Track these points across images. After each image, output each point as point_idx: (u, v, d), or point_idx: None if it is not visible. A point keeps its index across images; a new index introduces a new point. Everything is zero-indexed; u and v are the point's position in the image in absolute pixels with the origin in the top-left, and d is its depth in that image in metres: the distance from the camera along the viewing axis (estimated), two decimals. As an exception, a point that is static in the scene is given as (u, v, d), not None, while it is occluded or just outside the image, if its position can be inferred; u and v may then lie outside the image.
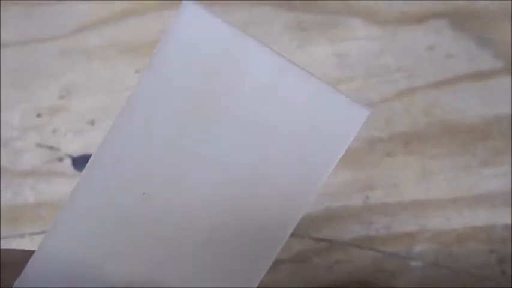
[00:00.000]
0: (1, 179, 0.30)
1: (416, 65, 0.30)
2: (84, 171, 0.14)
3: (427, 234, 0.28)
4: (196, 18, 0.14)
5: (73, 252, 0.14)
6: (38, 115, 0.31)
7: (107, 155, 0.14)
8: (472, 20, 0.31)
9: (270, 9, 0.32)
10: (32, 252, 0.14)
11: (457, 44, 0.31)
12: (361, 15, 0.31)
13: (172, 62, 0.14)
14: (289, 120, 0.14)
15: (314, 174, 0.15)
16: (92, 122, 0.30)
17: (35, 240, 0.29)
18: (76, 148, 0.30)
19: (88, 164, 0.14)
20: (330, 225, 0.28)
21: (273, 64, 0.14)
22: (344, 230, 0.28)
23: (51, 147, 0.30)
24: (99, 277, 0.14)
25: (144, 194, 0.14)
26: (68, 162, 0.30)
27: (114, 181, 0.14)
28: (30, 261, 0.14)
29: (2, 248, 0.29)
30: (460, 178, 0.29)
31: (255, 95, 0.14)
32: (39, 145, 0.30)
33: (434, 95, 0.30)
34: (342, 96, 0.15)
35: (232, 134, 0.14)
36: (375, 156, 0.29)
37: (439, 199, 0.29)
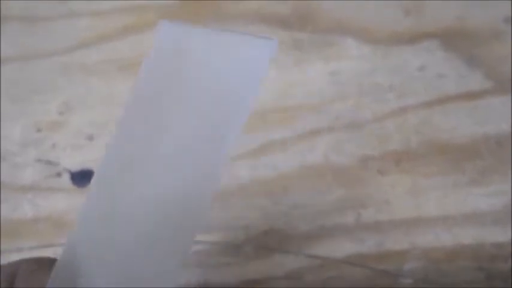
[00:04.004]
0: (1, 193, 0.30)
1: (408, 84, 0.31)
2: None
3: (417, 252, 0.29)
4: (169, 32, 0.17)
5: (82, 261, 0.16)
6: (38, 130, 0.31)
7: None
8: (462, 40, 0.32)
9: (266, 27, 0.32)
10: None
11: (448, 64, 0.31)
12: (354, 34, 0.32)
13: (153, 69, 0.17)
14: (210, 83, 0.17)
15: (233, 119, 0.17)
16: (90, 138, 0.31)
17: (33, 255, 0.29)
18: (74, 163, 0.31)
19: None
20: (323, 242, 0.29)
21: (204, 40, 0.17)
22: (336, 247, 0.29)
23: (50, 162, 0.31)
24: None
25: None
26: (66, 177, 0.30)
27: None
28: (52, 274, 0.16)
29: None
30: (450, 196, 0.29)
31: (196, 73, 0.17)
32: (38, 160, 0.31)
33: (425, 114, 0.31)
34: (246, 36, 0.17)
35: (187, 123, 0.17)
36: (366, 174, 0.30)
37: (429, 217, 0.29)
